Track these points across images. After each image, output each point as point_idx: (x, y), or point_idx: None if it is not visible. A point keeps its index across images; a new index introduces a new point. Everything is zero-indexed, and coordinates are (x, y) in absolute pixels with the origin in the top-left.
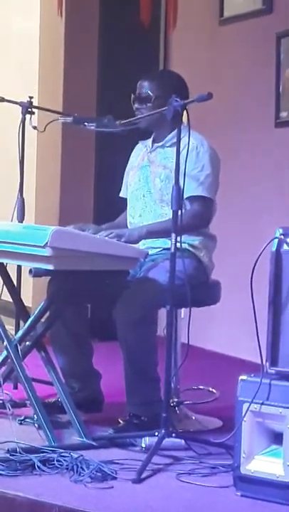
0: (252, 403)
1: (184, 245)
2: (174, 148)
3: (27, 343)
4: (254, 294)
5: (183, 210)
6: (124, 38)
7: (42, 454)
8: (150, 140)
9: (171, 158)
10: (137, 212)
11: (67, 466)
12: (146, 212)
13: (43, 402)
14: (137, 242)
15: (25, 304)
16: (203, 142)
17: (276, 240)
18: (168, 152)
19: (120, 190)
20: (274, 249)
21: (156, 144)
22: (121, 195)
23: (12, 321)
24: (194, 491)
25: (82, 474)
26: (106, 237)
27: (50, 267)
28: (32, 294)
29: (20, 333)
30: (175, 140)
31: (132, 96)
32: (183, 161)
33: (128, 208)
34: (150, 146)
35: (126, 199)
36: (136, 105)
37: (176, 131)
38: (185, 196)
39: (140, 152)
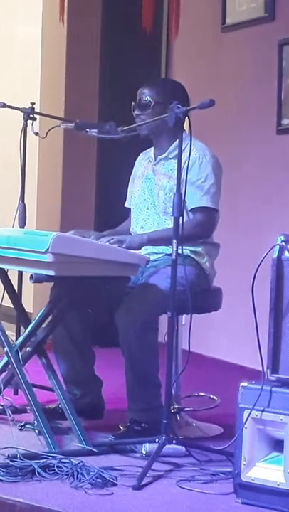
0: (253, 410)
1: (186, 252)
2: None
3: (28, 348)
4: (255, 300)
5: (185, 219)
6: (126, 44)
7: (42, 460)
8: (152, 152)
9: (175, 170)
10: (139, 224)
11: (67, 472)
12: (149, 225)
13: (43, 408)
14: (138, 248)
15: (26, 310)
16: (205, 152)
17: (277, 247)
18: (172, 164)
19: (125, 200)
20: (275, 256)
21: (159, 157)
22: (126, 205)
23: (13, 326)
24: (195, 497)
25: (82, 480)
26: (107, 243)
27: (51, 273)
28: (33, 299)
29: (21, 338)
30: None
31: (133, 103)
32: (184, 170)
33: (131, 218)
34: (153, 158)
35: (129, 209)
36: (136, 112)
37: (177, 141)
38: (189, 208)
39: (143, 162)
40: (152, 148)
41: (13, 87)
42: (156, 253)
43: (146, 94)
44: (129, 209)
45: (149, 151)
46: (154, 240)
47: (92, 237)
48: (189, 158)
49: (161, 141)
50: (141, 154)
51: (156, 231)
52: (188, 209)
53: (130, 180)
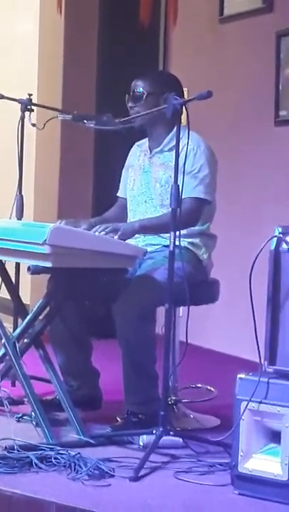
0: (250, 402)
1: (184, 243)
2: (173, 152)
3: (25, 340)
4: (253, 292)
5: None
6: (123, 36)
7: (39, 452)
8: (146, 144)
9: (170, 162)
10: (136, 217)
11: (64, 463)
12: (146, 217)
13: (40, 399)
14: (131, 236)
15: (24, 302)
16: (200, 143)
17: (275, 239)
18: (167, 156)
19: (118, 189)
20: (273, 247)
21: (154, 150)
22: (118, 194)
23: (10, 318)
24: (192, 489)
25: (79, 472)
26: (103, 232)
27: (49, 265)
28: (30, 291)
29: (18, 330)
30: (173, 143)
31: (127, 96)
32: (181, 162)
33: (128, 210)
34: (148, 151)
35: (122, 198)
36: (129, 104)
37: (172, 134)
38: (183, 196)
39: (138, 153)
40: (146, 139)
41: (10, 78)
42: (154, 244)
43: (139, 86)
44: (119, 197)
45: (143, 143)
46: (146, 227)
47: (83, 226)
48: (186, 150)
49: (156, 132)
50: (135, 145)
51: (149, 218)
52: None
53: (124, 170)
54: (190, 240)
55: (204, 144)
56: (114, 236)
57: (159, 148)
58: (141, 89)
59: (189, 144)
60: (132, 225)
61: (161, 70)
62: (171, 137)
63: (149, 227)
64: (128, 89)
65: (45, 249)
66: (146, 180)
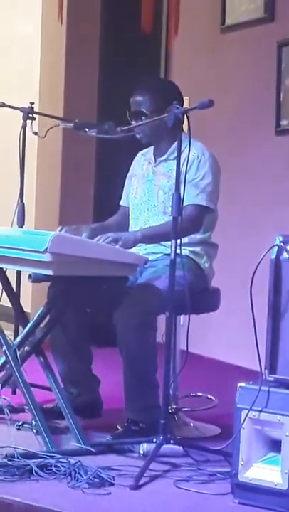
0: (250, 410)
1: (185, 252)
2: None
3: (26, 348)
4: (253, 301)
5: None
6: (125, 44)
7: (40, 460)
8: (151, 153)
9: (174, 170)
10: (138, 225)
11: (64, 471)
12: (148, 225)
13: (41, 407)
14: (132, 246)
15: (25, 310)
16: (204, 151)
17: (276, 248)
18: (171, 165)
19: (120, 198)
20: (273, 256)
21: (159, 159)
22: (121, 203)
23: (11, 326)
24: (192, 498)
25: (79, 480)
26: (104, 242)
27: (50, 273)
28: (31, 299)
29: (19, 338)
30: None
31: (128, 113)
32: (183, 170)
33: (130, 218)
34: (153, 160)
35: (125, 207)
36: (133, 122)
37: (176, 143)
38: (185, 204)
39: (142, 162)
40: (152, 148)
41: (12, 86)
42: (155, 253)
43: (140, 104)
44: (122, 206)
45: (148, 152)
46: (148, 237)
47: (84, 234)
48: (188, 159)
49: (161, 141)
50: (139, 153)
51: (151, 227)
52: (184, 205)
53: (127, 178)
54: (191, 248)
55: (208, 152)
56: (115, 246)
57: (164, 157)
58: (142, 108)
59: (193, 152)
60: (134, 235)
61: (160, 78)
62: (176, 146)
63: (151, 237)
64: (128, 103)
65: (46, 257)
66: (149, 189)
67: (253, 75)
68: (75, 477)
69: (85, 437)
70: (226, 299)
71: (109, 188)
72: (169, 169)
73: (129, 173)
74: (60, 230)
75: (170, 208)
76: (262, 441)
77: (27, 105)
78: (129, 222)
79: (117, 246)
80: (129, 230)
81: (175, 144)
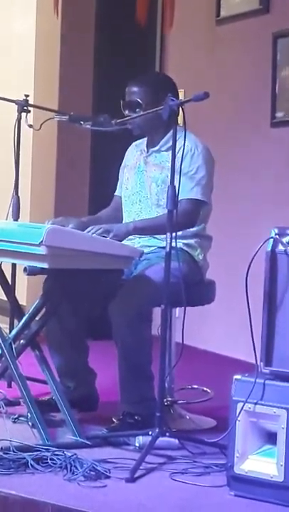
0: (246, 403)
1: (179, 244)
2: (170, 152)
3: (21, 341)
4: (249, 293)
5: None
6: (120, 37)
7: (35, 453)
8: (144, 143)
9: (167, 162)
10: (131, 217)
11: (60, 464)
12: (141, 217)
13: (36, 400)
14: (124, 237)
15: (20, 303)
16: (197, 144)
17: (271, 240)
18: (164, 156)
19: (115, 188)
20: (269, 249)
21: (151, 149)
22: (116, 193)
23: (6, 319)
24: (188, 490)
25: (75, 473)
26: (95, 233)
27: (45, 266)
28: (26, 292)
29: (14, 331)
30: (170, 143)
31: (122, 102)
32: (178, 163)
33: (123, 211)
34: (145, 150)
35: (119, 196)
36: (126, 112)
37: (169, 134)
38: (179, 198)
39: (135, 153)
40: (145, 139)
41: (6, 79)
42: (149, 246)
43: (135, 94)
44: (116, 196)
45: (141, 143)
46: (140, 229)
47: (71, 225)
48: (183, 151)
49: (154, 133)
50: (133, 144)
51: (143, 220)
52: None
53: (121, 169)
54: (185, 241)
55: (202, 145)
56: (106, 237)
57: (156, 148)
58: (138, 98)
59: (187, 144)
60: (126, 227)
61: (155, 71)
62: (168, 137)
63: (144, 228)
64: (123, 93)
65: (42, 250)
66: (141, 180)
67: (248, 67)
68: (70, 470)
69: (81, 430)
70: (222, 291)
71: (104, 181)
72: (161, 160)
73: (122, 164)
74: (47, 223)
75: (164, 201)
76: (257, 434)
77: (22, 98)
78: (122, 215)
79: (109, 237)
80: (123, 222)
81: (168, 135)
